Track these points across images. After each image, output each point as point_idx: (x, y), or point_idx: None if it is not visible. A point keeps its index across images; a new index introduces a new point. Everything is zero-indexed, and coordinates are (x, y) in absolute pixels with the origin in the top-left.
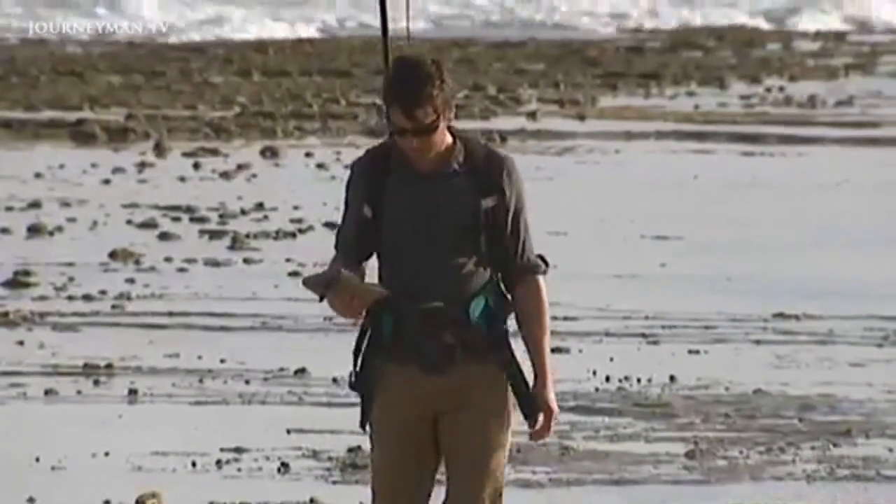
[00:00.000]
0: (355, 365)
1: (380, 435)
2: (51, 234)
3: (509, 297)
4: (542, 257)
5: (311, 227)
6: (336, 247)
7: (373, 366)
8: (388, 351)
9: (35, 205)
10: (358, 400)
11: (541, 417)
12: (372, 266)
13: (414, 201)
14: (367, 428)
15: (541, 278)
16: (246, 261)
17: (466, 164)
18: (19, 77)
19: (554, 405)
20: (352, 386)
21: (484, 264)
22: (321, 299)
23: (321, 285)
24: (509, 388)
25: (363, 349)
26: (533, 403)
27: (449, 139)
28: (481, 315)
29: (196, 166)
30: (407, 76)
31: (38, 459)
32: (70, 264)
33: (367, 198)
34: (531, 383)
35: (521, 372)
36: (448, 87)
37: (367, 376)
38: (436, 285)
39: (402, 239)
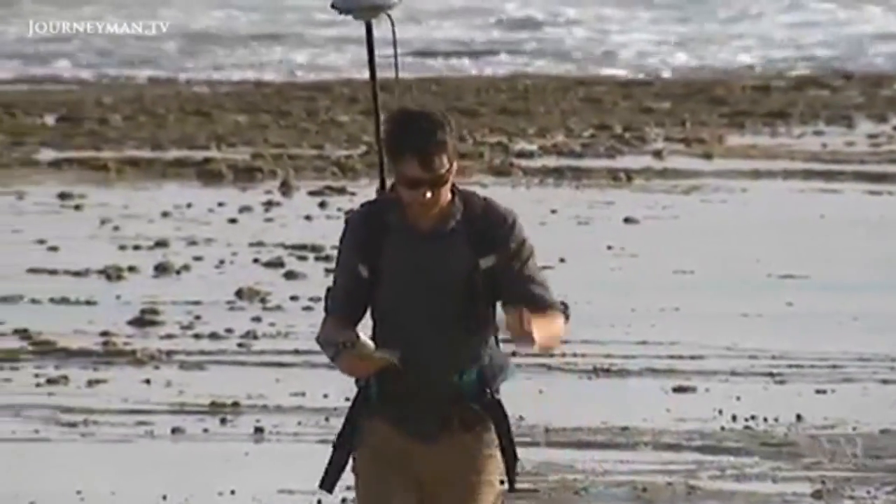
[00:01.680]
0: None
1: (366, 478)
2: (178, 272)
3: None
4: (563, 303)
5: None
6: (327, 308)
7: (358, 423)
8: (376, 410)
9: (162, 244)
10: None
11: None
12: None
13: (412, 263)
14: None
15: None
16: None
17: (465, 222)
18: (147, 116)
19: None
20: (334, 444)
21: (482, 325)
22: (333, 359)
23: (335, 347)
24: (498, 456)
25: (350, 409)
26: (514, 472)
27: (448, 194)
28: (473, 385)
29: (322, 205)
30: (420, 124)
31: (164, 498)
32: (197, 303)
33: (363, 257)
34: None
35: (511, 441)
36: (455, 136)
37: (350, 433)
38: (431, 351)
39: (398, 301)
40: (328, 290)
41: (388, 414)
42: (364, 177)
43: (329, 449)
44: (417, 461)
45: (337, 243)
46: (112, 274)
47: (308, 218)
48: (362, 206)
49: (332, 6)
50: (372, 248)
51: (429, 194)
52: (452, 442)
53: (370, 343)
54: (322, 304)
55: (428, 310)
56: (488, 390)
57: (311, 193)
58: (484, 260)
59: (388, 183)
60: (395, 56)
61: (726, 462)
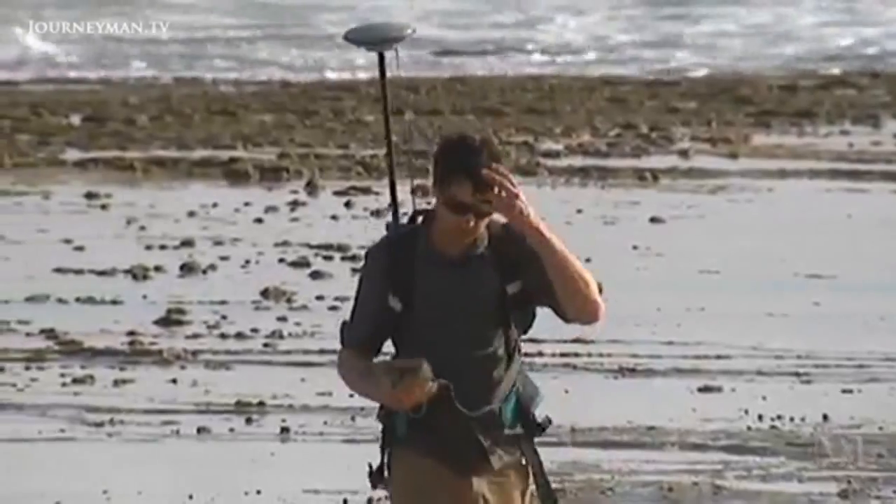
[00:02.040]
0: (381, 462)
1: (404, 497)
2: (203, 272)
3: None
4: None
5: None
6: (345, 341)
7: (390, 457)
8: (406, 443)
9: (188, 243)
10: None
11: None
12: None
13: (446, 291)
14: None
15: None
16: None
17: (490, 247)
18: (173, 116)
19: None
20: (372, 479)
21: (515, 351)
22: (393, 386)
23: (399, 372)
24: (531, 487)
25: (381, 447)
26: (549, 493)
27: None
28: (513, 412)
29: (348, 205)
30: (480, 151)
31: (191, 497)
32: (223, 302)
33: (393, 289)
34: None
35: (543, 471)
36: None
37: (382, 468)
38: (471, 380)
39: (434, 331)
40: (344, 323)
41: (422, 447)
42: None
43: (354, 450)
44: (454, 494)
45: (362, 244)
46: (138, 273)
47: (334, 218)
48: (385, 238)
49: (345, 38)
50: (404, 280)
51: (472, 222)
52: (491, 473)
53: (430, 371)
54: (340, 307)
55: (465, 338)
56: (526, 416)
57: (337, 193)
58: (511, 286)
59: (398, 201)
60: (397, 66)
61: (752, 462)
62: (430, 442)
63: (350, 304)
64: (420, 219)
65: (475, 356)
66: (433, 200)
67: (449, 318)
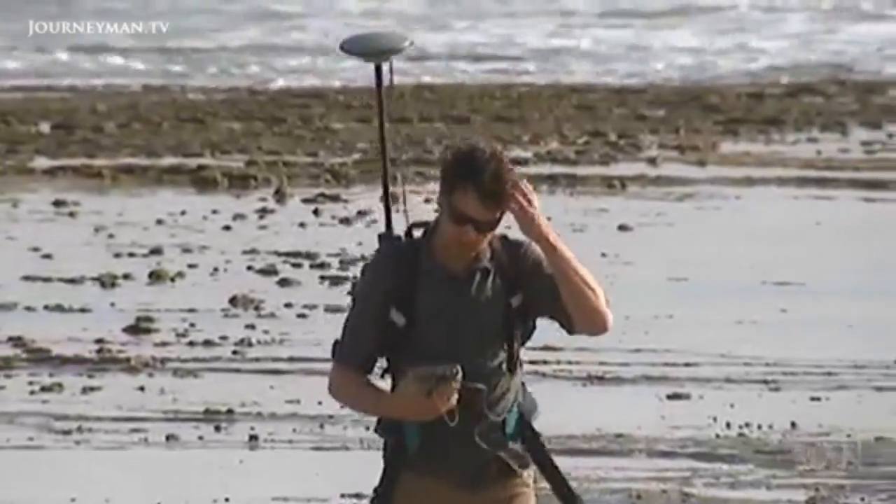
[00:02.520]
0: (381, 482)
1: None
2: (172, 280)
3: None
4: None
5: None
6: (342, 360)
7: (397, 479)
8: (414, 462)
9: (156, 251)
10: None
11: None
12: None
13: (451, 306)
14: None
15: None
16: None
17: (493, 259)
18: (141, 123)
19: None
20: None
21: (516, 362)
22: (429, 394)
23: (435, 379)
24: (532, 488)
25: (386, 465)
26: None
27: None
28: (516, 425)
29: (316, 212)
30: (492, 166)
31: None
32: (191, 310)
33: (396, 303)
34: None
35: (559, 475)
36: None
37: (389, 491)
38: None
39: (439, 346)
40: (337, 341)
41: (430, 465)
42: (358, 184)
43: (323, 457)
44: None
45: (331, 251)
46: (106, 281)
47: (302, 225)
48: (382, 252)
49: (342, 48)
50: (407, 294)
51: (474, 236)
52: (498, 486)
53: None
54: (308, 314)
55: (470, 352)
56: (528, 428)
57: (305, 201)
58: (514, 298)
59: (393, 214)
60: (391, 77)
61: (720, 469)
62: (440, 461)
63: (343, 321)
64: (420, 232)
65: (480, 370)
66: (437, 211)
67: (454, 333)
